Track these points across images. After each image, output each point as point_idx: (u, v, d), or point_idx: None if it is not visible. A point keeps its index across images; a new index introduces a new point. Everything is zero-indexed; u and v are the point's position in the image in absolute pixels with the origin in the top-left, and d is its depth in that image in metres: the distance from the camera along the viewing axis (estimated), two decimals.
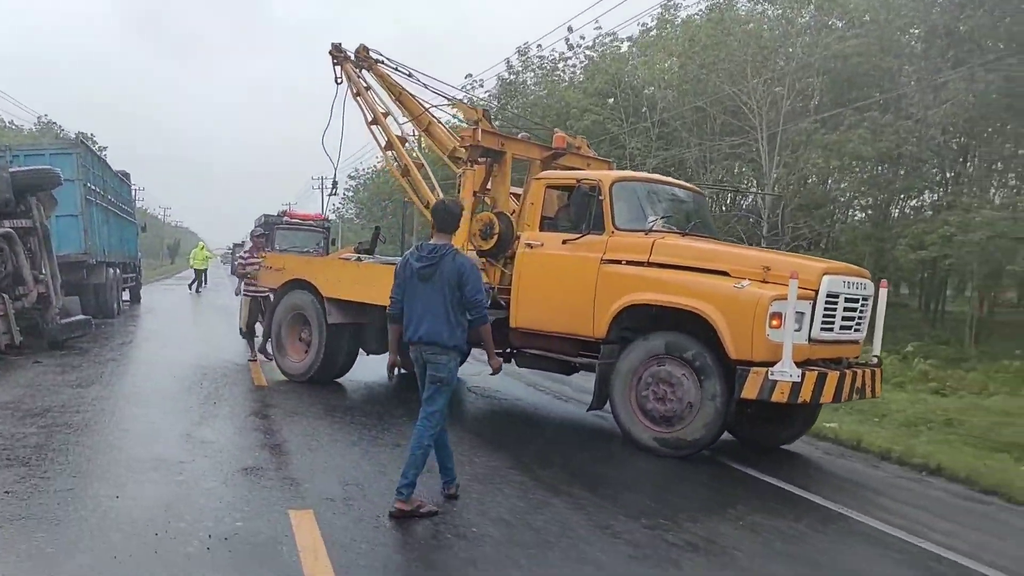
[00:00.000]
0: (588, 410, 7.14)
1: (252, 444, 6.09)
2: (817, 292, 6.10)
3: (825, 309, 6.16)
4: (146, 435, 6.10)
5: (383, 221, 34.04)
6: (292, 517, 4.31)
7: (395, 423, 7.09)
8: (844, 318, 6.39)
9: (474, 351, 7.13)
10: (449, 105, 10.76)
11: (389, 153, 10.38)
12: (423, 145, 11.56)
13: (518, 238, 7.57)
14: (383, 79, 10.15)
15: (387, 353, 4.99)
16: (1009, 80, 14.69)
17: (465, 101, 12.18)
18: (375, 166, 40.39)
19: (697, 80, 20.80)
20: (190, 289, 27.27)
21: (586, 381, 8.98)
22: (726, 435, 6.63)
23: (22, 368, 8.89)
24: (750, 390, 5.91)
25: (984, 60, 15.30)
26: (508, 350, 7.88)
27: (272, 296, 10.36)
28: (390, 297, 4.79)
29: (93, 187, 14.68)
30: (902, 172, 18.04)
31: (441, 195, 9.53)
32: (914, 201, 20.20)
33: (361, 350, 9.16)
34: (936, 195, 18.83)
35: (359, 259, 9.36)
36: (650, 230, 6.90)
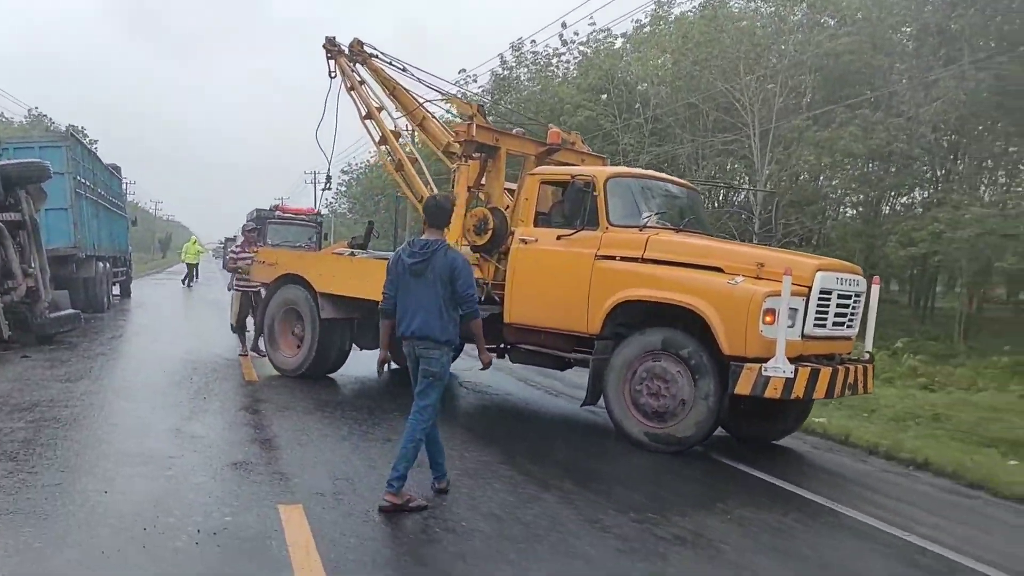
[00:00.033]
0: (582, 405, 7.16)
1: (242, 439, 6.09)
2: (810, 288, 6.12)
3: (818, 305, 6.20)
4: (135, 430, 6.08)
5: (376, 216, 33.94)
6: (282, 512, 4.31)
7: (386, 418, 7.10)
8: (837, 314, 6.42)
9: (466, 347, 7.14)
10: (443, 100, 10.73)
11: (383, 148, 10.35)
12: (416, 140, 11.55)
13: (512, 234, 7.58)
14: (377, 73, 10.12)
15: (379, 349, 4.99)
16: (999, 79, 14.78)
17: (459, 96, 12.15)
18: (368, 161, 40.35)
19: (690, 77, 20.85)
20: (183, 284, 27.16)
21: (578, 377, 9.00)
22: (718, 430, 6.66)
23: (10, 363, 8.84)
24: (744, 386, 5.94)
25: (975, 59, 15.38)
26: (502, 346, 7.90)
27: (263, 291, 10.36)
28: (382, 292, 4.79)
29: (83, 180, 14.59)
30: (893, 169, 18.13)
31: (435, 190, 9.52)
32: (904, 198, 20.33)
33: (354, 345, 9.15)
34: (927, 192, 18.94)
35: (352, 254, 9.34)
36: (644, 226, 6.91)
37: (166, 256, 70.51)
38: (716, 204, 22.28)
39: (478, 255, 7.83)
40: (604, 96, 24.07)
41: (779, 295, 5.86)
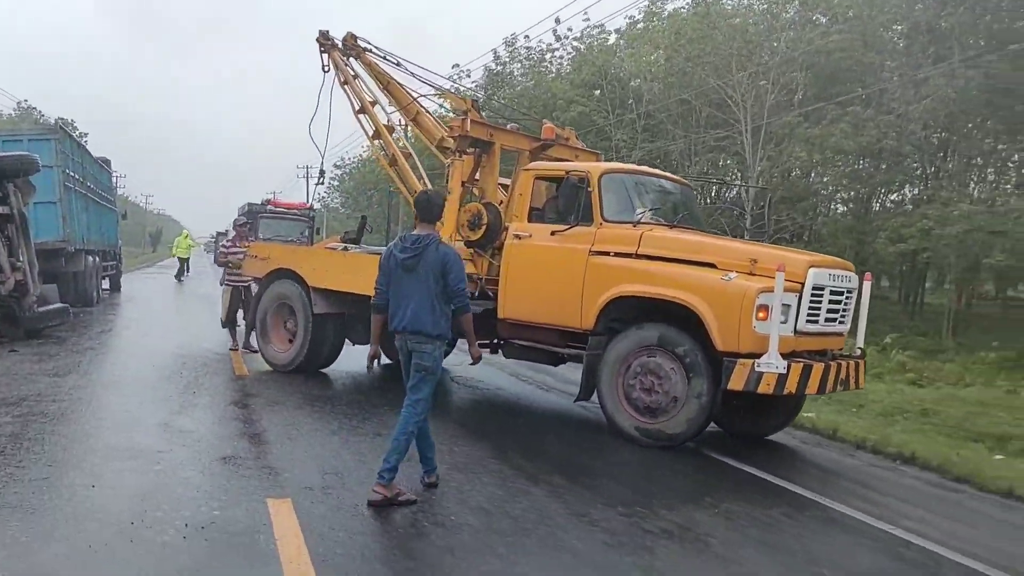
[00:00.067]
0: (575, 401, 7.18)
1: (231, 433, 6.08)
2: (803, 285, 6.15)
3: (811, 301, 6.22)
4: (124, 424, 6.06)
5: (369, 211, 33.89)
6: (270, 506, 4.31)
7: (376, 412, 7.10)
8: (829, 310, 6.45)
9: (459, 342, 7.15)
10: (438, 95, 10.72)
11: (376, 142, 10.34)
12: (410, 134, 11.52)
13: (506, 229, 7.58)
14: (371, 67, 10.09)
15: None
16: (989, 77, 14.86)
17: (453, 91, 12.13)
18: (361, 155, 40.26)
19: (683, 73, 20.88)
20: (176, 279, 27.01)
21: (569, 372, 9.05)
22: (710, 426, 6.68)
23: None
24: (736, 381, 5.96)
25: (964, 57, 15.45)
26: (495, 341, 7.90)
27: (254, 286, 10.33)
28: (375, 287, 4.80)
29: (72, 174, 14.51)
30: (883, 166, 18.22)
31: (429, 185, 9.51)
32: (895, 195, 20.43)
33: (347, 340, 9.13)
34: (917, 189, 19.05)
35: (346, 248, 9.33)
36: (638, 222, 6.92)
37: (157, 250, 70.11)
38: (708, 200, 22.35)
39: (472, 250, 7.83)
40: (597, 92, 24.06)
41: (772, 291, 5.89)
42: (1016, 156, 18.21)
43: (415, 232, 4.74)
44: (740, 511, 4.92)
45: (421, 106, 9.76)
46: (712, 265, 6.36)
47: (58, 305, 11.40)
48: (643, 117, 22.09)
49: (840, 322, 6.69)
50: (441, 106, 16.50)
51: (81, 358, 9.16)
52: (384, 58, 9.99)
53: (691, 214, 7.79)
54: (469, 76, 26.78)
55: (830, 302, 6.43)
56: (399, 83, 9.87)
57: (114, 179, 24.40)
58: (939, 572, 4.29)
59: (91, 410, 6.51)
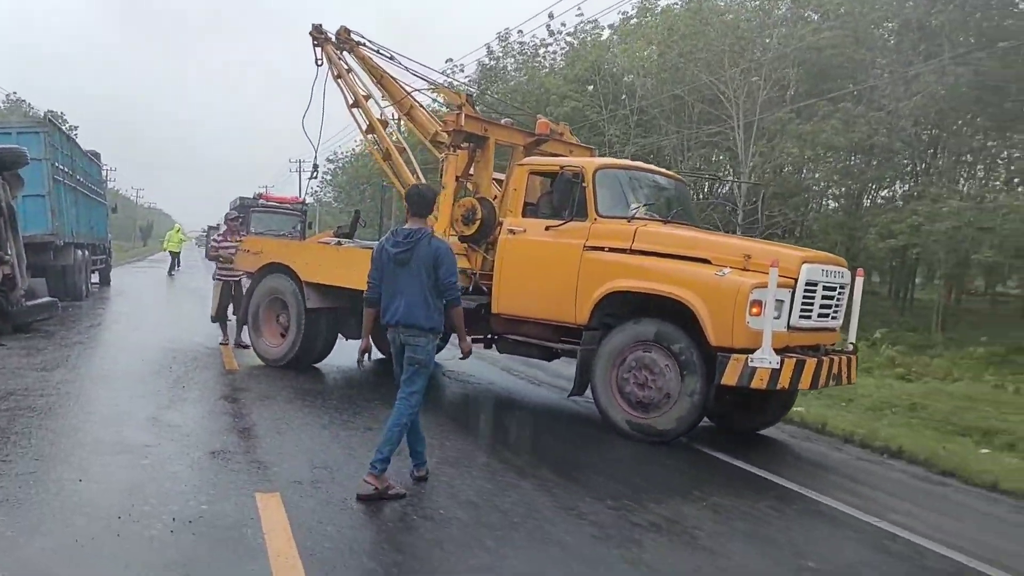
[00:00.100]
0: (568, 396, 7.19)
1: (221, 428, 6.07)
2: (796, 280, 6.17)
3: (804, 297, 6.25)
4: (112, 418, 6.03)
5: (362, 205, 33.78)
6: (259, 500, 4.31)
7: (367, 407, 7.10)
8: (822, 306, 6.48)
9: (452, 337, 7.13)
10: (431, 89, 10.68)
11: (370, 136, 10.30)
12: (403, 129, 11.49)
13: (500, 224, 7.58)
14: (364, 62, 10.05)
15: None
16: (978, 74, 14.94)
17: (447, 86, 12.10)
18: (354, 150, 40.12)
19: (676, 69, 20.89)
20: (170, 274, 26.86)
21: (560, 367, 9.05)
22: (703, 420, 6.69)
23: None
24: (730, 376, 5.98)
25: (954, 54, 15.52)
26: (489, 336, 7.90)
27: (244, 280, 10.29)
28: (367, 281, 4.81)
29: (61, 167, 14.41)
30: (874, 163, 18.30)
31: (423, 179, 9.48)
32: (885, 191, 20.52)
33: (340, 335, 9.10)
34: (907, 186, 19.14)
35: (339, 243, 9.29)
36: (632, 217, 6.94)
37: (147, 244, 69.85)
38: (701, 196, 22.39)
39: (466, 245, 7.82)
40: (590, 87, 24.06)
41: (766, 287, 5.91)
42: (1005, 153, 18.33)
43: (407, 226, 4.75)
44: (728, 504, 4.95)
45: (415, 100, 9.73)
46: (706, 261, 6.38)
47: (46, 299, 11.33)
48: (636, 113, 22.10)
49: (833, 318, 6.72)
50: (434, 100, 16.48)
51: (69, 352, 9.11)
52: (378, 52, 9.95)
53: (685, 210, 7.80)
54: (463, 71, 26.76)
55: (823, 298, 6.46)
56: (393, 77, 9.84)
57: (104, 172, 24.25)
58: (924, 564, 4.32)
59: (79, 404, 6.48)
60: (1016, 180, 16.72)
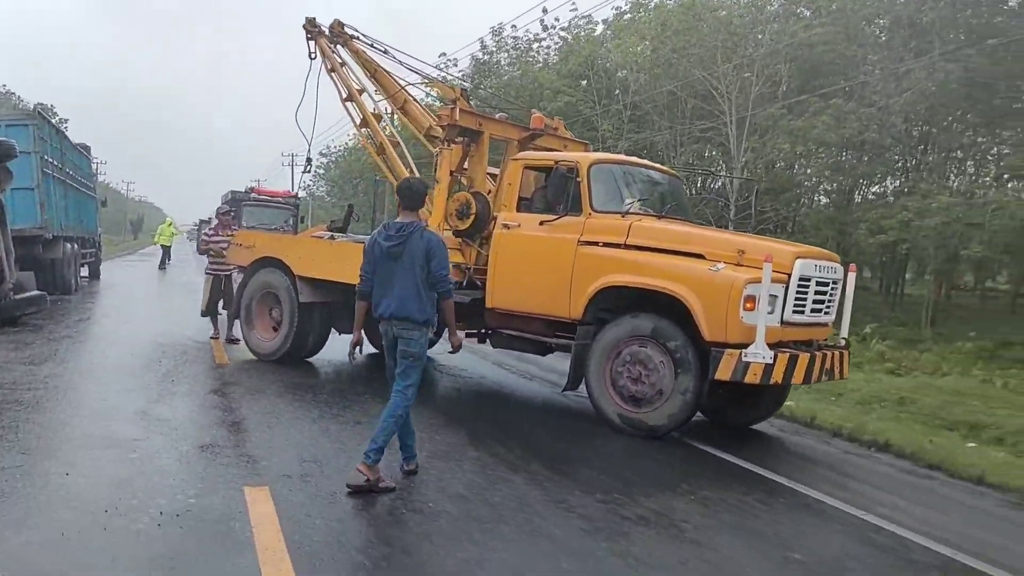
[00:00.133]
0: (562, 391, 7.20)
1: (210, 422, 6.05)
2: (790, 276, 6.19)
3: (797, 292, 6.27)
4: (100, 412, 6.01)
5: (354, 199, 33.70)
6: (247, 494, 4.30)
7: (358, 401, 7.10)
8: (815, 301, 6.51)
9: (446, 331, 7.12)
10: (426, 83, 10.65)
11: (364, 130, 10.26)
12: (396, 123, 11.46)
13: (495, 219, 7.57)
14: (358, 55, 10.01)
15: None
16: (968, 71, 15.00)
17: (441, 80, 12.06)
18: (347, 144, 40.00)
19: (669, 64, 20.89)
20: (161, 268, 26.72)
21: (552, 361, 9.07)
22: (695, 415, 6.72)
23: None
24: (724, 371, 6.00)
25: (944, 51, 15.57)
26: (483, 330, 7.90)
27: (235, 275, 10.27)
28: (360, 274, 4.82)
29: (51, 160, 14.32)
30: (865, 159, 18.36)
31: (417, 174, 9.46)
32: (876, 187, 20.60)
33: (333, 329, 9.06)
34: (898, 182, 19.22)
35: (332, 237, 9.27)
36: (627, 212, 6.94)
37: (138, 238, 69.50)
38: (694, 191, 22.42)
39: (460, 240, 7.82)
40: (584, 82, 24.04)
41: (759, 282, 5.92)
42: (995, 149, 18.41)
43: (398, 220, 4.76)
44: (716, 498, 4.98)
45: (409, 94, 9.70)
46: (700, 256, 6.39)
47: (35, 293, 11.25)
48: (629, 108, 22.09)
49: (826, 313, 6.75)
50: (428, 94, 16.42)
51: (58, 346, 9.06)
52: (371, 46, 9.92)
53: (679, 205, 7.81)
54: (456, 65, 26.68)
55: (816, 293, 6.49)
56: (386, 71, 9.80)
57: (94, 166, 24.10)
58: (909, 557, 4.35)
59: (67, 398, 6.45)
60: (1006, 176, 16.80)
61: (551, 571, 3.69)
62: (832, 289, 6.75)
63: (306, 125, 10.17)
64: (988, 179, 17.58)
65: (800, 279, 6.26)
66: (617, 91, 22.89)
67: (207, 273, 10.56)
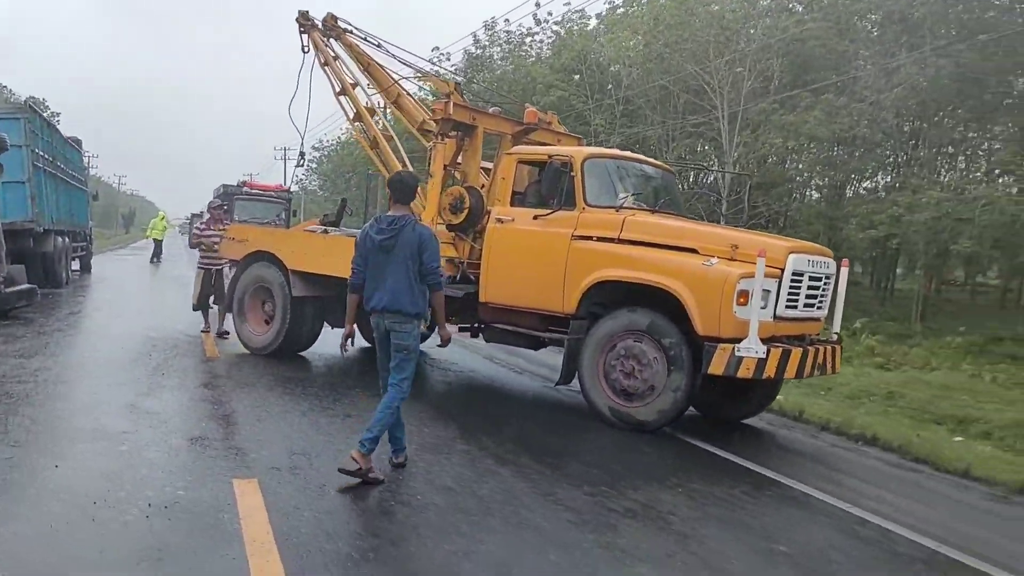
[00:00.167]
0: (555, 385, 7.22)
1: (200, 415, 6.06)
2: (783, 270, 6.21)
3: (790, 287, 6.30)
4: (89, 406, 6.01)
5: (347, 193, 33.61)
6: (236, 486, 4.32)
7: (348, 394, 7.11)
8: (808, 296, 6.53)
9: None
10: (420, 77, 10.62)
11: (357, 124, 10.23)
12: (389, 116, 11.43)
13: (488, 213, 7.57)
14: (351, 49, 9.97)
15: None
16: (959, 66, 15.04)
17: (434, 74, 12.05)
18: (339, 138, 39.86)
19: (661, 59, 20.86)
20: (152, 262, 26.60)
21: (543, 355, 9.10)
22: (688, 409, 6.75)
23: None
24: (717, 366, 6.02)
25: (936, 46, 15.62)
26: (476, 325, 7.91)
27: (227, 269, 10.25)
28: (352, 267, 4.84)
29: (42, 153, 14.26)
30: (857, 154, 18.41)
31: (410, 168, 9.45)
32: (868, 183, 20.66)
33: (326, 323, 9.05)
34: (889, 177, 19.29)
35: (325, 231, 9.26)
36: (621, 207, 6.95)
37: (129, 231, 69.24)
38: (686, 186, 22.44)
39: (454, 234, 7.82)
40: (576, 76, 24.00)
41: (753, 277, 5.94)
42: (986, 144, 18.49)
43: (390, 213, 4.78)
44: (703, 490, 5.02)
45: (402, 88, 9.68)
46: (694, 250, 6.40)
47: (26, 286, 11.21)
48: (622, 102, 22.08)
49: (818, 307, 6.78)
50: (421, 88, 16.38)
51: (48, 339, 9.04)
52: (365, 39, 9.88)
53: (672, 199, 7.83)
54: (449, 59, 26.63)
55: (809, 288, 6.51)
56: (380, 65, 9.77)
57: (86, 159, 23.98)
58: (893, 549, 4.40)
59: (57, 391, 6.44)
60: (996, 171, 16.88)
61: (537, 563, 3.72)
62: (825, 284, 6.78)
63: (299, 119, 10.10)
64: (979, 174, 17.65)
65: (793, 274, 6.29)
66: (610, 86, 22.89)
67: (198, 267, 10.53)
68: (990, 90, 15.99)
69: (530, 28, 27.00)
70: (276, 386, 7.25)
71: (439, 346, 5.12)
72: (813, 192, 21.89)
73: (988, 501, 5.61)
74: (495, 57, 27.87)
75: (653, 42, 20.81)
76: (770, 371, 6.04)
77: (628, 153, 8.94)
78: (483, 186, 8.15)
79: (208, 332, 10.12)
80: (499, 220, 7.34)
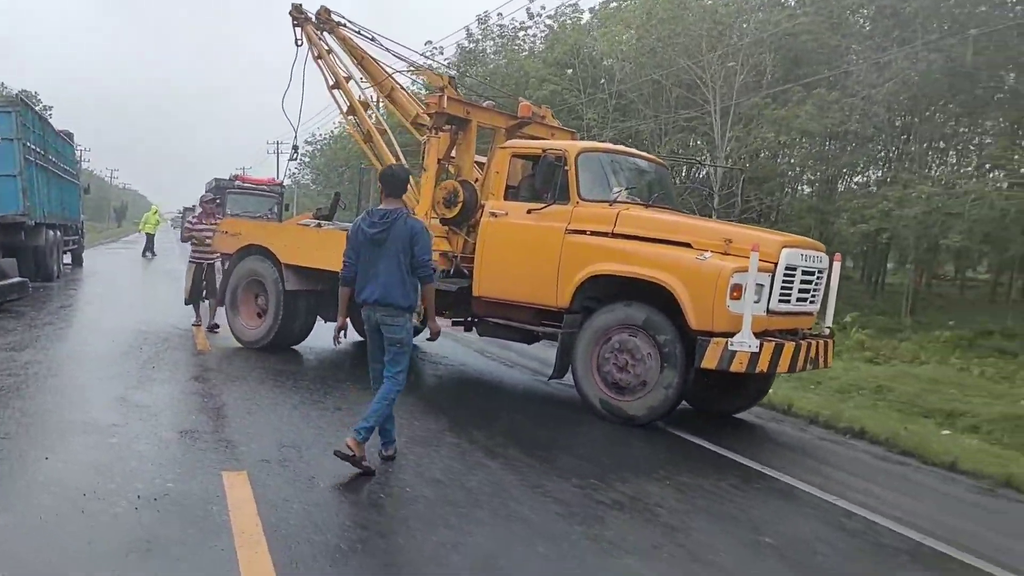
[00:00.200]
0: (549, 379, 7.24)
1: (190, 408, 6.06)
2: (776, 265, 6.23)
3: (783, 281, 6.31)
4: (80, 399, 6.02)
5: (340, 187, 33.54)
6: (225, 478, 4.33)
7: (338, 387, 7.12)
8: (800, 290, 6.55)
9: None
10: (413, 72, 10.59)
11: (351, 118, 10.21)
12: (382, 110, 11.41)
13: (482, 207, 7.58)
14: (345, 42, 9.95)
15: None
16: (950, 60, 15.09)
17: (428, 67, 11.99)
18: (332, 131, 39.76)
19: (654, 53, 20.88)
20: (144, 256, 26.49)
21: (534, 349, 9.12)
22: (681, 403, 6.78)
23: None
24: (710, 360, 6.04)
25: (927, 40, 15.66)
26: (470, 319, 7.92)
27: (219, 263, 10.23)
28: (343, 260, 4.86)
29: (33, 147, 14.20)
30: (848, 148, 18.48)
31: (404, 162, 9.44)
32: (860, 177, 20.75)
33: (319, 317, 9.04)
34: (880, 172, 19.37)
35: (319, 225, 9.25)
36: (614, 201, 6.96)
37: (121, 225, 68.93)
38: (679, 180, 22.47)
39: (447, 228, 7.82)
40: (569, 71, 24.01)
41: (746, 271, 5.95)
42: (976, 139, 18.57)
43: (382, 207, 4.79)
44: (691, 483, 5.05)
45: (396, 82, 9.66)
46: (687, 245, 6.42)
47: (17, 279, 11.16)
48: (614, 97, 22.10)
49: (811, 302, 6.81)
50: (413, 82, 16.37)
51: (39, 333, 9.01)
52: (358, 33, 9.85)
53: (666, 194, 7.84)
54: (442, 53, 26.56)
55: (802, 282, 6.53)
56: (373, 58, 9.75)
57: (78, 153, 23.85)
58: (878, 541, 4.44)
59: (48, 384, 6.43)
60: (987, 166, 16.96)
61: (525, 554, 3.75)
62: (817, 278, 6.80)
63: (293, 113, 10.11)
64: (970, 169, 17.73)
65: (786, 268, 6.31)
66: (602, 80, 22.89)
67: (190, 261, 10.50)
68: (981, 85, 16.07)
69: (523, 22, 27.04)
70: (267, 379, 7.25)
71: (428, 339, 5.14)
72: (805, 186, 21.97)
73: (974, 494, 5.66)
74: (488, 51, 27.84)
75: (646, 36, 20.81)
76: (763, 365, 6.07)
77: (622, 147, 8.95)
78: (477, 180, 8.15)
79: (199, 326, 10.11)
80: (493, 214, 7.35)
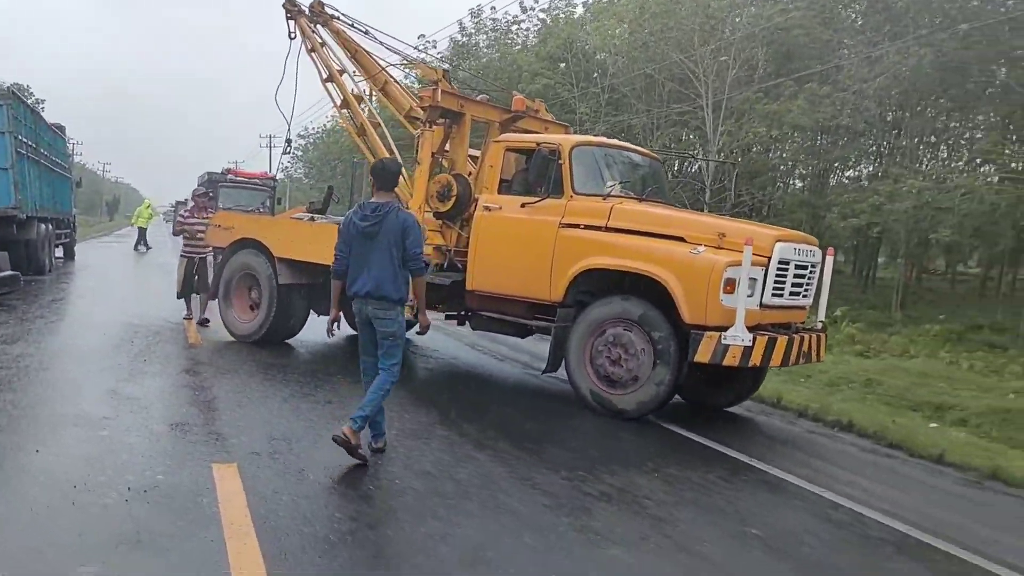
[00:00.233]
0: (543, 373, 7.25)
1: (181, 400, 6.07)
2: (769, 259, 6.25)
3: (776, 275, 6.34)
4: (71, 391, 6.02)
5: (333, 181, 33.45)
6: (215, 470, 4.35)
7: (329, 381, 7.14)
8: (794, 284, 6.58)
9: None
10: (407, 64, 10.55)
11: (344, 112, 10.18)
12: (375, 103, 11.38)
13: (476, 201, 7.58)
14: (339, 36, 9.91)
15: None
16: (941, 55, 15.14)
17: (421, 61, 11.98)
18: (325, 125, 39.63)
19: (646, 47, 20.89)
20: (136, 249, 26.38)
21: (526, 343, 9.14)
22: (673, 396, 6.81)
23: None
24: (703, 354, 6.06)
25: (918, 35, 15.71)
26: (463, 312, 7.94)
27: (211, 257, 10.21)
28: (335, 253, 4.87)
29: (25, 140, 14.13)
30: (840, 143, 18.54)
31: (398, 155, 9.42)
32: (851, 171, 20.82)
33: (313, 311, 9.02)
34: (872, 166, 19.44)
35: (312, 219, 9.24)
36: (608, 195, 6.97)
37: (113, 219, 68.65)
38: (671, 174, 22.49)
39: (441, 222, 7.82)
40: (562, 65, 23.99)
41: (739, 265, 5.97)
42: (967, 133, 18.65)
43: (373, 200, 4.80)
44: (679, 475, 5.09)
45: (390, 75, 9.63)
46: (681, 239, 6.43)
47: (9, 273, 11.10)
48: (607, 91, 22.10)
49: (804, 296, 6.84)
50: (407, 76, 16.33)
51: (31, 326, 8.99)
52: (352, 26, 9.82)
53: (659, 188, 7.86)
54: (435, 47, 26.50)
55: (795, 276, 6.56)
56: (367, 51, 9.72)
57: (70, 146, 23.73)
58: (865, 532, 4.49)
59: (38, 378, 6.42)
60: (978, 160, 17.04)
61: (513, 545, 3.78)
62: (810, 272, 6.83)
63: (286, 106, 10.04)
64: (960, 164, 17.82)
65: (779, 262, 6.33)
66: (595, 74, 22.90)
67: (182, 255, 10.49)
68: (972, 79, 16.12)
69: (516, 16, 26.97)
70: (257, 372, 7.26)
71: (419, 333, 5.16)
72: (796, 181, 22.03)
73: (961, 486, 5.71)
74: (481, 45, 27.78)
75: (639, 30, 20.82)
76: (756, 359, 6.10)
77: (616, 141, 8.95)
78: (471, 174, 8.15)
79: (191, 319, 10.10)
80: (487, 208, 7.35)
